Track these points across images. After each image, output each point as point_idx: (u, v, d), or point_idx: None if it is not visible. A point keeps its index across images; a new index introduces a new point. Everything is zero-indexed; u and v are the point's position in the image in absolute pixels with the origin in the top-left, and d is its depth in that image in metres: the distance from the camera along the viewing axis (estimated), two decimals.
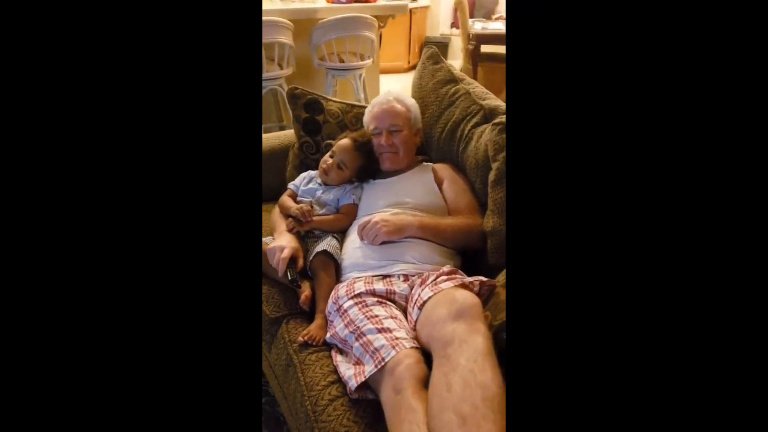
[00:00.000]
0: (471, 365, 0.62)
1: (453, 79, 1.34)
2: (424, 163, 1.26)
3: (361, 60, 2.53)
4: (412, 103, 1.27)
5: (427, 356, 0.74)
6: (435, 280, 0.86)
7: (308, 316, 1.00)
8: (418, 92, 1.40)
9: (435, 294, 0.79)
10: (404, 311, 0.89)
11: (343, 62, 2.47)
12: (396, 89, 1.40)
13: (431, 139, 1.34)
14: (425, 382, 0.69)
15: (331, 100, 1.45)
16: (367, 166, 1.21)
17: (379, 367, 0.73)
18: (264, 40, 2.18)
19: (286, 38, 2.27)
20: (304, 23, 2.37)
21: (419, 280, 0.91)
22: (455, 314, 0.70)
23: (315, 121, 1.40)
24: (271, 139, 1.52)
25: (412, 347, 0.74)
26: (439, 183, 1.18)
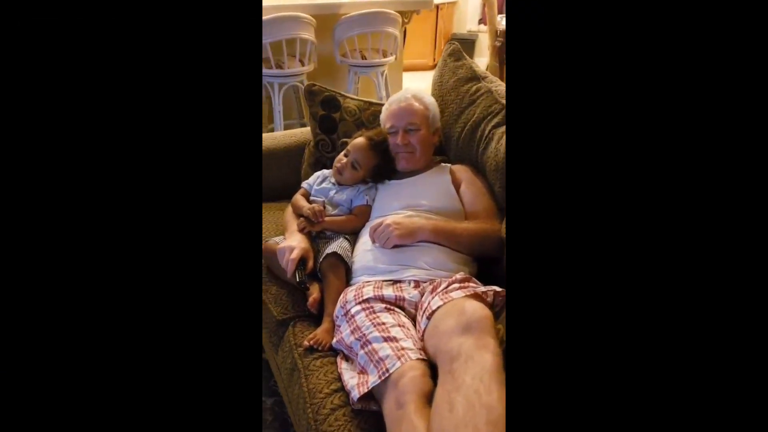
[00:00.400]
0: (476, 384, 0.58)
1: (475, 77, 1.29)
2: (442, 164, 1.22)
3: (384, 57, 2.49)
4: (430, 101, 1.23)
5: (434, 368, 0.70)
6: (446, 288, 0.82)
7: (316, 319, 0.97)
8: (438, 90, 1.35)
9: (444, 303, 0.75)
10: (413, 319, 0.86)
11: (366, 59, 2.44)
12: (419, 87, 1.36)
13: (450, 139, 1.29)
14: (430, 397, 0.65)
15: (348, 97, 1.43)
16: (382, 166, 1.18)
17: (382, 378, 0.70)
18: (286, 36, 2.17)
19: (308, 34, 2.25)
20: (326, 19, 2.35)
21: (430, 287, 0.87)
22: (463, 327, 0.66)
23: (331, 119, 1.38)
24: (287, 136, 1.50)
25: (418, 359, 0.71)
26: (457, 185, 1.13)
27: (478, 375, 0.59)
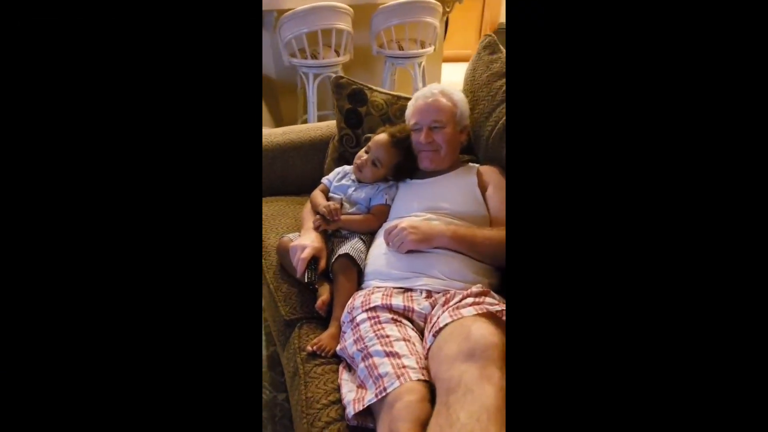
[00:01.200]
0: (472, 425, 0.51)
1: None
2: (470, 164, 1.14)
3: (422, 47, 2.41)
4: (459, 98, 1.15)
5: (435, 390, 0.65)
6: (458, 303, 0.76)
7: (324, 321, 0.94)
8: (470, 85, 1.27)
9: (453, 321, 0.69)
10: (422, 332, 0.80)
11: (403, 50, 2.37)
12: (454, 81, 1.29)
13: (480, 138, 1.21)
14: (427, 424, 0.60)
15: (376, 90, 1.37)
16: (404, 165, 1.12)
17: (379, 396, 0.65)
18: (322, 26, 2.14)
19: (345, 24, 2.21)
20: (364, 8, 2.30)
21: (443, 299, 0.81)
22: (466, 354, 0.60)
23: (357, 113, 1.33)
24: (312, 129, 1.47)
25: (418, 380, 0.66)
26: (483, 188, 1.05)
27: (475, 414, 0.53)
